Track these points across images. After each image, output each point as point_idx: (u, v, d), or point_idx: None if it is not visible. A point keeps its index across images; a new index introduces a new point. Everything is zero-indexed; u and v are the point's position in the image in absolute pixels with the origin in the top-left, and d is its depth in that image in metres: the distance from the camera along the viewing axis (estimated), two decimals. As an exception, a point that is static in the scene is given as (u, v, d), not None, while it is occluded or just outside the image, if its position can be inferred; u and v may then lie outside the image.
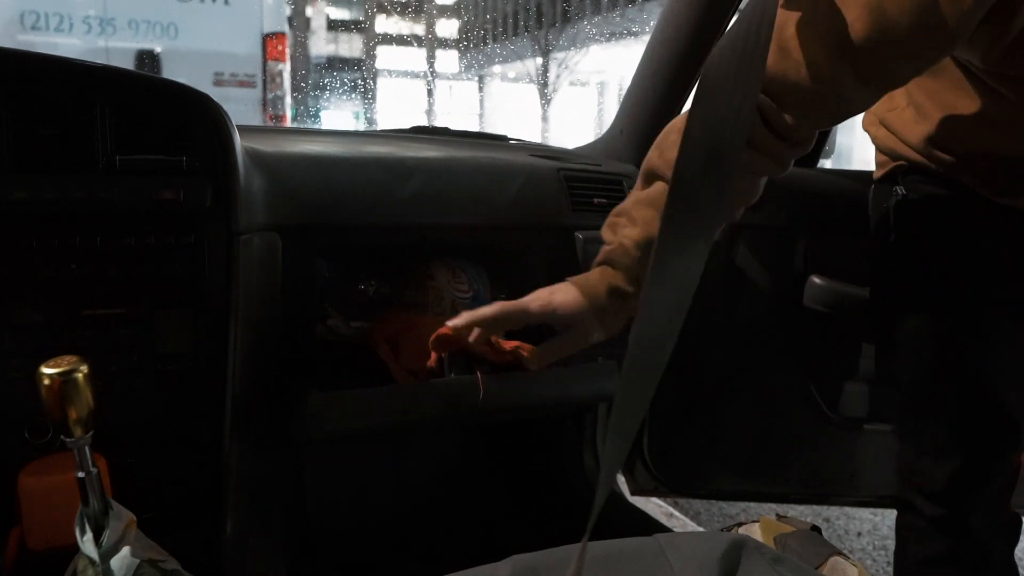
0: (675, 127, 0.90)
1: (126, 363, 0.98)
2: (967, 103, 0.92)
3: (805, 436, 1.63)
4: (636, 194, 0.91)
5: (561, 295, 0.91)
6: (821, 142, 1.65)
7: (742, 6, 0.89)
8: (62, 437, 0.79)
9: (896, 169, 1.06)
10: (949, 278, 1.01)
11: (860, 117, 1.08)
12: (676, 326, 0.60)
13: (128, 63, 5.51)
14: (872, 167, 1.17)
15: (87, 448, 0.79)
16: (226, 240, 0.98)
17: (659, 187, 0.88)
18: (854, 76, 0.76)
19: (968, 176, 0.97)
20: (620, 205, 0.92)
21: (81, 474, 0.79)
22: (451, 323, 0.94)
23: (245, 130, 1.10)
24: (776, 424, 1.63)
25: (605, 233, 0.93)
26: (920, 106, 0.98)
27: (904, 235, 1.05)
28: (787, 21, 0.77)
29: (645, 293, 0.61)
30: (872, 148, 1.14)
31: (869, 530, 2.32)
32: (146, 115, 0.95)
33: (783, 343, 1.59)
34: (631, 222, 0.89)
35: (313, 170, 1.11)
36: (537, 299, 0.91)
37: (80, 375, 0.76)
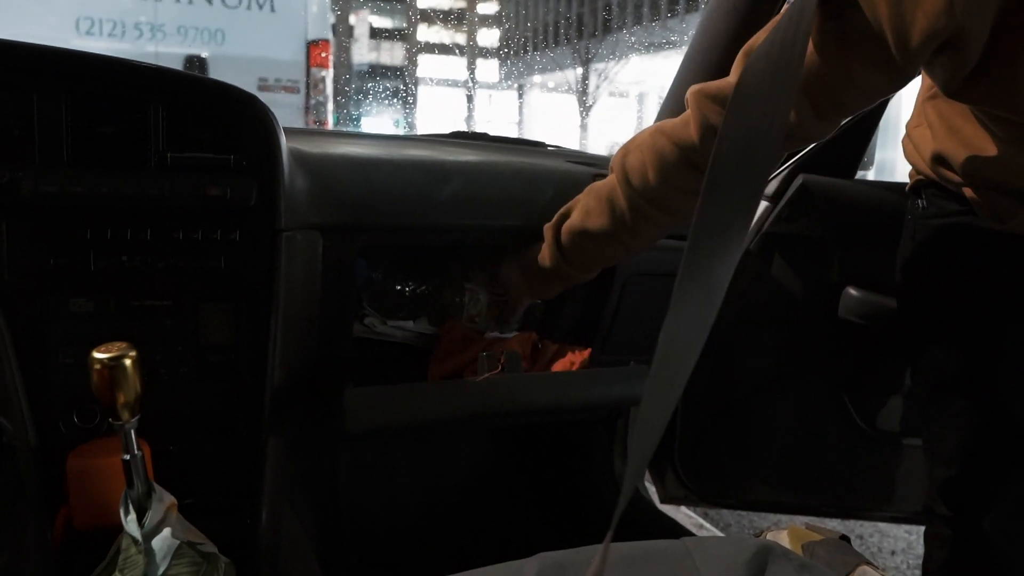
0: (639, 143, 0.98)
1: (171, 353, 1.02)
2: (970, 130, 0.94)
3: (838, 448, 1.62)
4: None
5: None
6: (859, 153, 1.64)
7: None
8: (110, 420, 0.82)
9: (919, 182, 1.08)
10: (962, 289, 1.03)
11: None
12: (705, 328, 0.61)
13: (177, 67, 5.63)
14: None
15: (133, 432, 0.83)
16: (269, 237, 1.01)
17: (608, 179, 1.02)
18: (811, 110, 0.80)
19: (970, 196, 0.99)
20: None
21: (127, 456, 0.82)
22: None
23: (290, 131, 1.14)
24: (809, 435, 1.62)
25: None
26: (932, 126, 1.00)
27: (923, 245, 1.07)
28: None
29: (676, 295, 0.62)
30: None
31: (904, 548, 2.28)
32: (197, 115, 0.98)
33: (817, 354, 1.58)
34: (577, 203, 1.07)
35: (354, 171, 1.14)
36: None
37: (129, 361, 0.79)
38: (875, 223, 1.53)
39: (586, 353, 1.17)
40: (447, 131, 1.53)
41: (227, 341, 1.04)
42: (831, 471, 1.64)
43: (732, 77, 0.85)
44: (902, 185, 1.63)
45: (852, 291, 1.52)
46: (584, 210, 1.05)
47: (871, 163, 1.76)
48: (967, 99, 0.84)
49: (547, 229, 1.10)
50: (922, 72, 1.01)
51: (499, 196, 1.19)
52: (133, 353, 0.81)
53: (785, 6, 1.21)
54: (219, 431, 1.05)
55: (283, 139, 1.02)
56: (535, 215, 1.16)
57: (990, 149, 0.93)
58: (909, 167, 1.11)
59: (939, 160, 1.01)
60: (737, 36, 1.27)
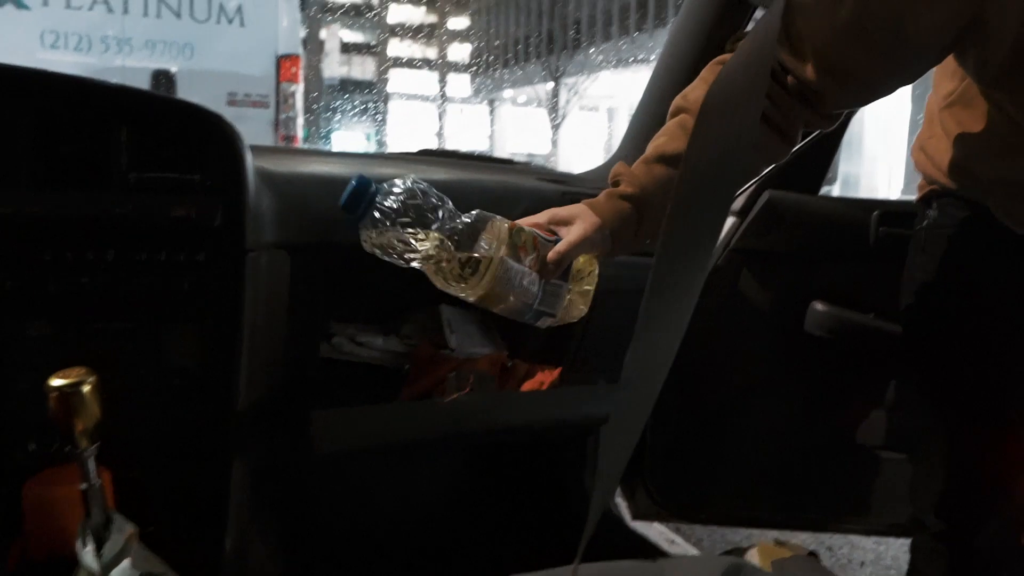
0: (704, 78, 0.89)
1: (133, 377, 1.00)
2: (992, 133, 0.96)
3: (808, 462, 1.63)
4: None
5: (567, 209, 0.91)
6: (824, 169, 1.66)
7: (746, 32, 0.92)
8: (68, 448, 0.80)
9: (931, 192, 1.09)
10: (971, 300, 1.04)
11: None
12: (672, 348, 0.61)
13: (144, 82, 5.57)
14: (878, 196, 1.19)
15: (92, 460, 0.81)
16: (235, 257, 1.00)
17: (679, 118, 0.89)
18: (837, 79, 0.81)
19: (992, 203, 1.00)
20: None
21: (84, 485, 0.80)
22: None
23: (257, 150, 1.12)
24: (779, 450, 1.63)
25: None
26: (952, 134, 1.01)
27: (934, 256, 1.07)
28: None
29: (642, 315, 0.62)
30: (879, 178, 1.16)
31: (873, 560, 2.30)
32: (161, 134, 0.97)
33: (786, 368, 1.59)
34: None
35: (322, 190, 1.13)
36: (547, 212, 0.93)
37: (88, 387, 0.78)
38: (840, 238, 1.56)
39: (556, 372, 1.17)
40: (416, 148, 1.53)
41: (191, 364, 1.02)
42: (802, 485, 1.65)
43: (698, 90, 0.85)
44: (865, 202, 1.66)
45: (819, 306, 1.54)
46: (654, 145, 0.90)
47: (835, 178, 1.79)
48: (1005, 87, 0.86)
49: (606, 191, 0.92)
50: (934, 84, 1.04)
51: (468, 215, 1.18)
52: (92, 379, 0.79)
53: (751, 26, 1.22)
54: (183, 456, 1.03)
55: (249, 158, 1.01)
56: (504, 233, 1.15)
57: (1017, 151, 0.93)
58: (875, 181, 1.12)
59: (959, 168, 1.01)
60: (703, 54, 1.28)
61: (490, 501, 1.62)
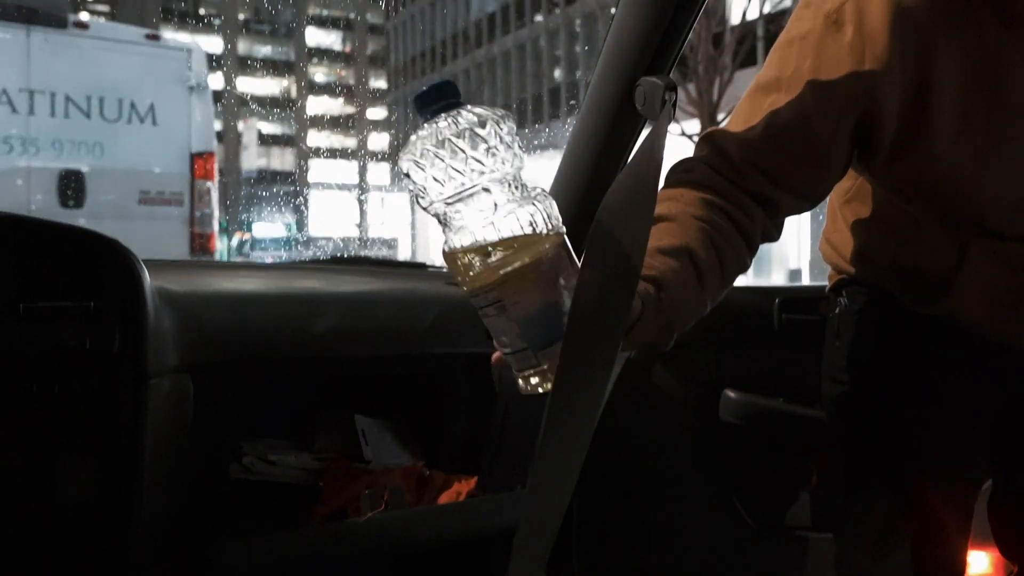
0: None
1: (23, 516, 0.94)
2: (886, 223, 1.03)
3: (730, 547, 1.64)
4: None
5: None
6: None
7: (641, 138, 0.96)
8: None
9: (840, 281, 1.14)
10: (884, 380, 1.08)
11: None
12: (577, 461, 0.61)
13: (51, 183, 5.45)
14: (789, 263, 1.24)
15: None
16: (135, 384, 0.96)
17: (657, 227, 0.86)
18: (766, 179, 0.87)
19: (894, 287, 1.05)
20: None
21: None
22: None
23: (157, 266, 1.10)
24: (703, 536, 1.63)
25: None
26: (853, 227, 1.09)
27: (848, 340, 1.12)
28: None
29: (545, 425, 0.62)
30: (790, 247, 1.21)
31: (805, 639, 2.30)
32: (53, 261, 0.94)
33: (703, 456, 1.62)
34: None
35: (226, 308, 1.11)
36: None
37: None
38: (746, 326, 1.62)
39: (472, 481, 1.15)
40: (327, 257, 1.53)
41: (88, 498, 0.97)
42: (727, 570, 1.65)
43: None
44: (767, 289, 1.73)
45: (730, 393, 1.58)
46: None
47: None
48: (892, 180, 0.95)
49: None
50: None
51: (378, 326, 1.18)
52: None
53: (639, 142, 1.28)
54: (78, 600, 0.97)
55: (147, 280, 0.99)
56: (414, 343, 1.16)
57: (911, 239, 1.01)
58: (785, 249, 1.18)
59: (861, 257, 1.08)
60: (598, 161, 1.33)
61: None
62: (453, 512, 1.11)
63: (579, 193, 1.22)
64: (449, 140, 0.62)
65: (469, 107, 0.64)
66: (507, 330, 0.66)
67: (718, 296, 0.86)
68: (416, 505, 1.12)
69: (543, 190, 0.68)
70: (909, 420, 1.06)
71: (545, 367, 0.67)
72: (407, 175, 0.65)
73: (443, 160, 0.62)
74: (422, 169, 0.63)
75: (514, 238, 0.63)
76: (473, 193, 0.63)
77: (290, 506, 1.15)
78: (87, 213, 5.34)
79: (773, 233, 0.93)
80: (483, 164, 0.62)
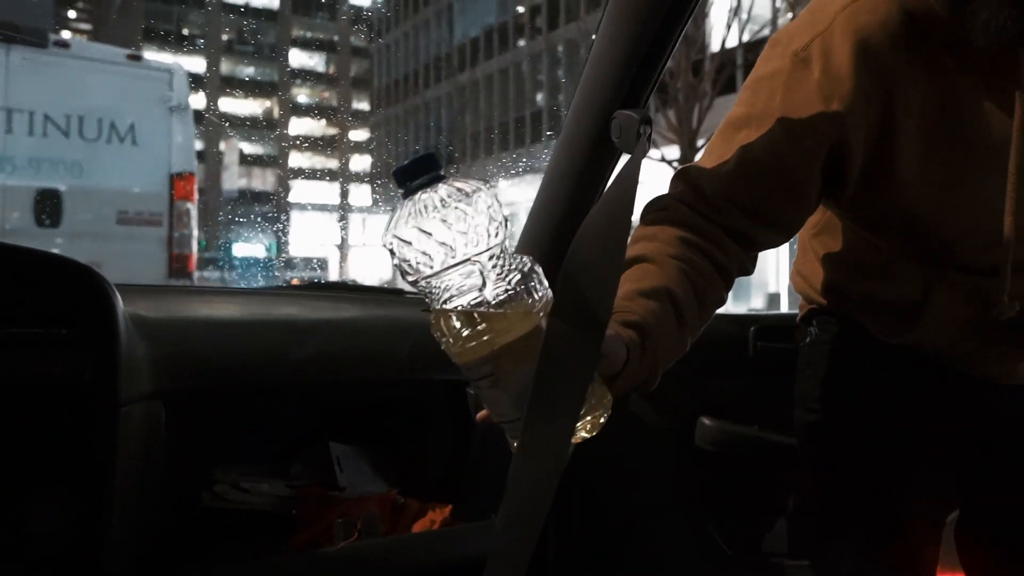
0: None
1: None
2: (854, 256, 1.05)
3: (707, 574, 1.64)
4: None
5: None
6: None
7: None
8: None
9: (811, 311, 1.16)
10: (854, 409, 1.09)
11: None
12: (548, 497, 0.61)
13: (27, 201, 5.40)
14: (768, 287, 1.25)
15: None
16: (107, 413, 0.95)
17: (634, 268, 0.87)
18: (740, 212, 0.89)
19: (863, 317, 1.07)
20: None
21: None
22: None
23: (131, 292, 1.09)
24: (679, 564, 1.63)
25: None
26: (822, 259, 1.11)
27: (819, 370, 1.13)
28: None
29: (514, 463, 0.62)
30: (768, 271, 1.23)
31: (782, 667, 2.29)
32: (24, 287, 0.94)
33: (679, 483, 1.62)
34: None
35: (201, 334, 1.11)
36: None
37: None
38: (722, 353, 1.63)
39: (447, 510, 1.15)
40: (306, 283, 1.53)
41: (57, 528, 0.95)
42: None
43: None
44: (742, 317, 1.75)
45: (706, 421, 1.59)
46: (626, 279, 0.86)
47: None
48: (857, 212, 0.97)
49: None
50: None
51: (354, 353, 1.18)
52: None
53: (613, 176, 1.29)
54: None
55: (121, 307, 0.98)
56: (393, 368, 1.16)
57: (878, 272, 1.03)
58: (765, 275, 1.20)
59: (831, 289, 1.10)
60: (574, 192, 1.34)
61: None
62: (427, 541, 1.10)
63: (555, 224, 1.23)
64: (433, 216, 0.61)
65: (451, 180, 0.64)
66: (500, 401, 0.65)
67: (697, 333, 0.88)
68: (390, 533, 1.11)
69: (530, 258, 0.67)
70: (879, 448, 1.07)
71: None
72: (391, 252, 0.64)
73: (428, 235, 0.61)
74: (407, 244, 0.62)
75: (505, 312, 0.62)
76: (460, 268, 0.62)
77: (264, 535, 1.14)
78: (64, 233, 5.29)
79: (748, 266, 0.95)
80: (468, 238, 0.61)
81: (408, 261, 0.62)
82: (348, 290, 1.52)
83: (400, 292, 1.57)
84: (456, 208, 0.61)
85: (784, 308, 14.85)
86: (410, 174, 0.63)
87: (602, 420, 0.72)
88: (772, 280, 17.06)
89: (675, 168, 1.13)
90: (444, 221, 0.61)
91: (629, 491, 1.61)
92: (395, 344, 1.21)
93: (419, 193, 0.63)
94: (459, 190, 0.62)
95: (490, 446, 1.30)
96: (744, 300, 16.48)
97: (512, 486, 0.61)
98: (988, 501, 1.09)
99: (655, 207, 0.93)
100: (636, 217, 0.90)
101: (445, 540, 1.12)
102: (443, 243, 0.61)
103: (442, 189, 0.62)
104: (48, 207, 5.37)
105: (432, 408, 1.27)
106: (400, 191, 0.64)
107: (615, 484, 1.59)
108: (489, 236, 0.62)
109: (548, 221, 1.22)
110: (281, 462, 1.26)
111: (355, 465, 1.26)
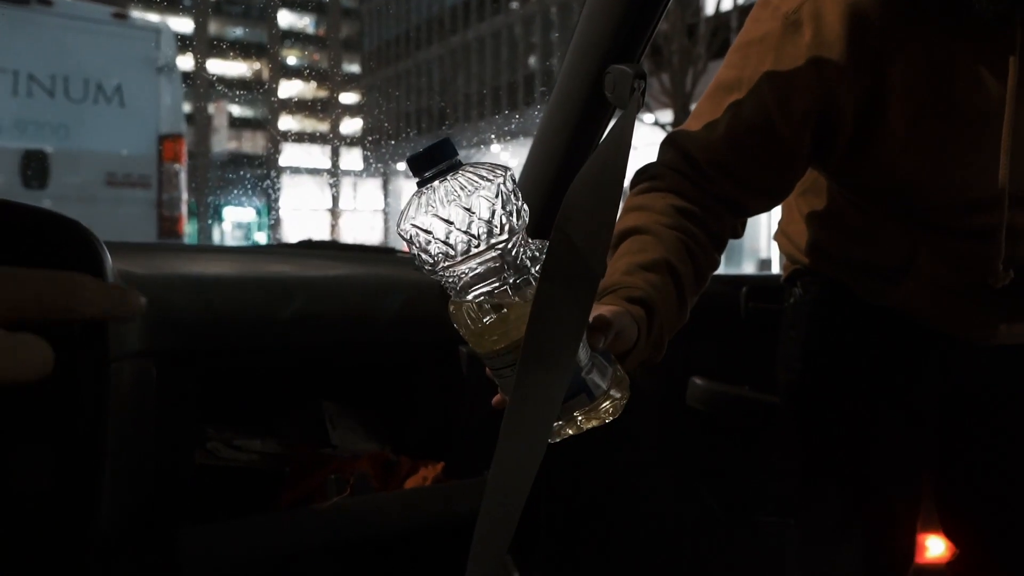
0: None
1: None
2: (840, 217, 1.05)
3: (696, 533, 1.66)
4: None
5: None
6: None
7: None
8: None
9: (795, 272, 1.16)
10: (837, 369, 1.10)
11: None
12: (539, 454, 0.62)
13: (14, 163, 5.34)
14: (738, 272, 1.25)
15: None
16: (96, 369, 0.95)
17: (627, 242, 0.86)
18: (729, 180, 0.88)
19: (847, 278, 1.08)
20: None
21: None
22: None
23: (121, 249, 1.08)
24: (668, 522, 1.65)
25: None
26: (808, 220, 1.11)
27: (802, 330, 1.14)
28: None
29: (506, 419, 0.62)
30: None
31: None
32: (11, 241, 0.92)
33: (669, 442, 1.64)
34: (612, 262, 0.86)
35: (190, 292, 1.10)
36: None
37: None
38: (713, 314, 1.63)
39: (439, 467, 1.15)
40: (296, 241, 1.52)
41: (45, 487, 0.95)
42: (693, 556, 1.67)
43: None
44: (734, 278, 1.75)
45: (697, 380, 1.60)
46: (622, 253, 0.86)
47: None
48: (845, 177, 0.97)
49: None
50: None
51: (345, 312, 1.18)
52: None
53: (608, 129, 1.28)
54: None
55: (110, 263, 0.97)
56: (381, 329, 1.15)
57: (861, 230, 1.03)
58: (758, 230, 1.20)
59: (816, 250, 1.10)
60: (568, 147, 1.32)
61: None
62: (419, 497, 1.11)
63: (548, 181, 1.22)
64: (453, 203, 0.59)
65: (468, 167, 0.61)
66: None
67: (695, 300, 0.88)
68: (382, 490, 1.12)
69: (546, 243, 0.64)
70: (860, 408, 1.09)
71: (561, 422, 0.67)
72: (408, 241, 0.62)
73: (448, 224, 0.59)
74: (426, 233, 0.60)
75: (525, 300, 0.60)
76: (479, 256, 0.60)
77: (256, 492, 1.14)
78: (52, 195, 5.24)
79: (739, 230, 0.95)
80: (488, 225, 0.59)
81: (427, 250, 0.60)
82: (339, 249, 1.51)
83: (392, 251, 1.56)
84: (475, 196, 0.59)
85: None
86: (426, 162, 0.61)
87: (624, 402, 0.71)
88: (764, 246, 17.09)
89: (668, 132, 1.12)
90: (465, 208, 0.58)
91: (619, 450, 1.62)
92: (386, 303, 1.20)
93: (437, 181, 0.60)
94: (479, 176, 0.60)
95: (480, 404, 1.30)
96: (735, 267, 16.52)
97: (503, 442, 0.61)
98: (965, 460, 1.11)
99: (646, 175, 0.93)
100: (627, 182, 0.90)
101: (437, 496, 1.12)
102: (464, 231, 0.59)
103: (460, 175, 0.60)
104: (35, 168, 5.31)
105: (423, 367, 1.27)
106: (415, 179, 0.62)
107: (605, 443, 1.60)
108: (510, 223, 0.60)
109: (540, 180, 1.21)
110: (273, 421, 1.27)
111: (347, 423, 1.26)
